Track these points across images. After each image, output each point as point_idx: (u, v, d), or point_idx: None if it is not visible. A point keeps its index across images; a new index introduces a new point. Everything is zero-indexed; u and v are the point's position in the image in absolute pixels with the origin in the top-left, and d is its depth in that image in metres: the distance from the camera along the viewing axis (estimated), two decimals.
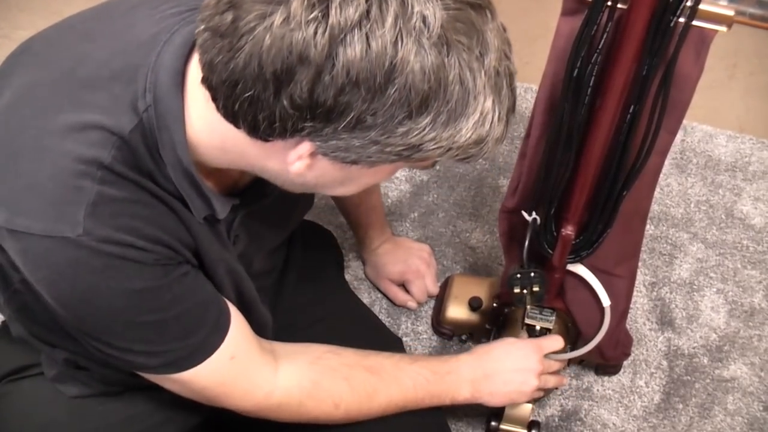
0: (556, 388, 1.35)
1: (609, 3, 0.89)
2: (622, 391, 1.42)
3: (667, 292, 1.54)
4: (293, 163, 0.70)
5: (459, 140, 0.68)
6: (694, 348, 1.47)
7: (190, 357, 0.82)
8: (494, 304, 1.31)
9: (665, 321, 1.50)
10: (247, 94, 0.64)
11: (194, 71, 0.72)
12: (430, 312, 1.48)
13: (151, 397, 0.97)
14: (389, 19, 0.61)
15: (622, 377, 1.43)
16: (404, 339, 1.43)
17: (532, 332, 1.22)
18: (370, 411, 0.99)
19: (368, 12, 0.61)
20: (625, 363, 1.43)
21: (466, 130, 0.68)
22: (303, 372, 0.94)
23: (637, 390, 1.42)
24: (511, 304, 1.25)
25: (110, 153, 0.72)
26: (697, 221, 1.64)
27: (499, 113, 0.70)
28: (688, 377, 1.44)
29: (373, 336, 1.22)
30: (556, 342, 1.18)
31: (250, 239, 0.93)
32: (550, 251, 1.12)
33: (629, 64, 0.91)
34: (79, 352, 0.92)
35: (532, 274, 1.13)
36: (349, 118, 0.64)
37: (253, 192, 0.86)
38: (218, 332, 0.84)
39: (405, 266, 1.45)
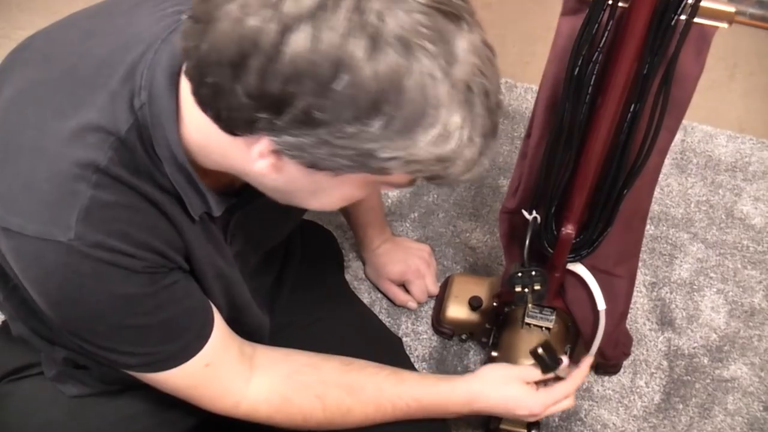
0: None
1: (610, 2, 0.89)
2: (622, 391, 1.42)
3: (667, 292, 1.54)
4: (256, 160, 0.69)
5: (417, 154, 0.64)
6: (694, 348, 1.47)
7: (167, 360, 0.83)
8: (494, 304, 1.31)
9: (665, 321, 1.50)
10: (210, 81, 0.64)
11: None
12: (430, 312, 1.48)
13: (150, 396, 0.97)
14: (342, 13, 0.59)
15: (622, 377, 1.43)
16: (404, 339, 1.43)
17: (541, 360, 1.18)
18: (344, 426, 0.98)
19: (323, 5, 0.59)
20: (625, 363, 1.43)
21: (425, 144, 0.63)
22: (275, 386, 0.94)
23: (638, 390, 1.42)
24: (512, 303, 1.25)
25: (107, 155, 0.72)
26: (697, 221, 1.64)
27: (470, 134, 0.64)
28: (689, 377, 1.44)
29: (373, 336, 1.22)
30: (562, 389, 1.09)
31: (246, 239, 0.93)
32: (551, 250, 1.12)
33: (630, 63, 0.91)
34: (78, 349, 0.92)
35: (533, 273, 1.13)
36: (297, 111, 0.62)
37: (249, 192, 0.86)
38: (199, 340, 0.85)
39: (405, 266, 1.45)
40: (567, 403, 1.10)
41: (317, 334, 1.14)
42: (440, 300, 1.45)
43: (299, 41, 0.59)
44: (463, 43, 0.62)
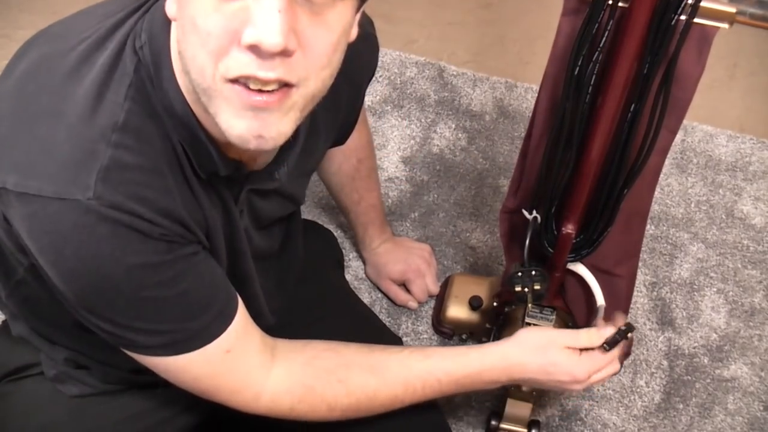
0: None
1: (610, 2, 0.89)
2: (622, 390, 1.42)
3: (667, 292, 1.54)
4: None
5: None
6: (694, 348, 1.47)
7: (187, 341, 0.81)
8: (494, 304, 1.31)
9: (665, 321, 1.50)
10: None
11: None
12: (430, 312, 1.48)
13: (151, 396, 0.97)
14: None
15: (623, 377, 1.43)
16: (404, 339, 1.43)
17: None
18: (371, 411, 0.95)
19: None
20: (626, 363, 1.43)
21: None
22: (295, 375, 0.91)
23: (638, 390, 1.42)
24: (512, 303, 1.25)
25: (123, 107, 0.72)
26: (697, 221, 1.64)
27: None
28: (689, 377, 1.44)
29: (373, 336, 1.22)
30: (592, 337, 1.02)
31: (251, 214, 0.92)
32: (551, 250, 1.12)
33: (630, 63, 0.91)
34: (80, 349, 0.92)
35: (534, 273, 1.13)
36: None
37: (261, 174, 0.87)
38: (221, 321, 0.82)
39: (405, 265, 1.45)
40: (613, 369, 1.03)
41: (317, 334, 1.13)
42: (440, 300, 1.45)
43: None
44: None
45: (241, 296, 0.89)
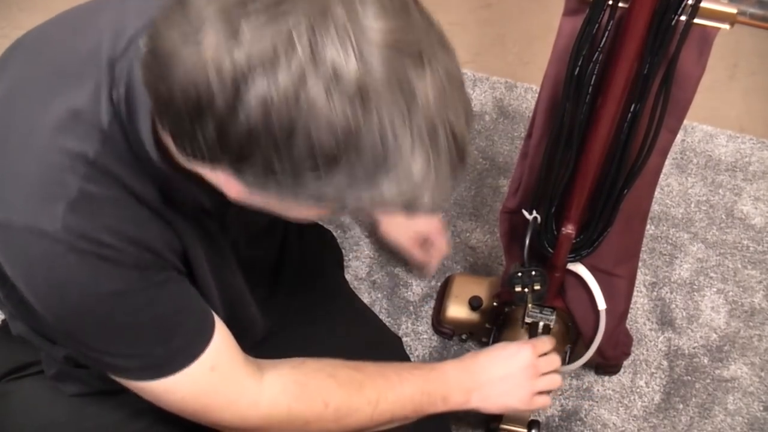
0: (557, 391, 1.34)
1: (610, 2, 0.89)
2: (622, 391, 1.42)
3: (667, 292, 1.54)
4: (218, 179, 0.68)
5: (382, 198, 0.63)
6: (694, 348, 1.47)
7: (168, 363, 0.81)
8: (494, 304, 1.31)
9: (665, 321, 1.50)
10: (170, 119, 0.63)
11: None
12: (430, 312, 1.48)
13: None
14: (295, 65, 0.56)
15: (623, 377, 1.43)
16: (404, 339, 1.43)
17: (533, 330, 1.22)
18: (360, 405, 0.96)
19: (276, 55, 0.57)
20: (626, 363, 1.43)
21: (389, 189, 0.62)
22: (287, 376, 0.92)
23: (638, 390, 1.42)
24: (512, 303, 1.25)
25: (94, 147, 0.72)
26: (697, 221, 1.64)
27: (435, 171, 0.63)
28: (689, 377, 1.44)
29: (373, 336, 1.22)
30: (546, 343, 1.15)
31: (240, 226, 0.92)
32: (551, 250, 1.12)
33: (630, 63, 0.91)
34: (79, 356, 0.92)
35: (534, 273, 1.13)
36: (257, 162, 0.61)
37: None
38: (199, 341, 0.83)
39: (429, 221, 1.41)
40: (552, 382, 1.13)
41: (316, 334, 1.14)
42: (440, 300, 1.45)
43: (252, 100, 0.58)
44: (424, 86, 0.60)
45: (231, 310, 0.90)
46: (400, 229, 1.41)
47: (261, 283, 1.11)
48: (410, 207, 0.65)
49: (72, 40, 0.77)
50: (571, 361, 1.31)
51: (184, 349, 0.82)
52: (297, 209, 0.69)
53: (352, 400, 0.95)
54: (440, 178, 0.63)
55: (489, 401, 1.08)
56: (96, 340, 0.79)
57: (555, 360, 1.14)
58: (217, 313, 0.89)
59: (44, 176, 0.71)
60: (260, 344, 1.10)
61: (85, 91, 0.73)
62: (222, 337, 0.85)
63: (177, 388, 0.83)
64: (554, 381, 1.14)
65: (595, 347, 1.23)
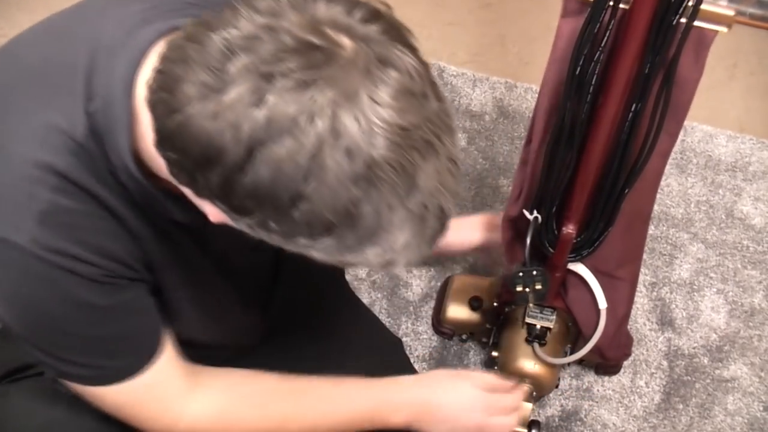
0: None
1: (611, 2, 0.89)
2: (622, 391, 1.42)
3: (667, 292, 1.54)
4: (205, 206, 0.69)
5: (364, 261, 0.67)
6: (694, 348, 1.47)
7: (109, 375, 0.83)
8: (494, 304, 1.31)
9: (665, 321, 1.50)
10: (174, 157, 0.64)
11: (144, 78, 0.70)
12: (430, 312, 1.48)
13: None
14: (311, 138, 0.58)
15: (623, 377, 1.43)
16: (404, 339, 1.43)
17: (532, 331, 1.22)
18: None
19: (295, 123, 0.58)
20: (626, 363, 1.43)
21: (373, 256, 0.66)
22: (214, 400, 0.93)
23: (638, 390, 1.42)
24: (512, 303, 1.25)
25: (66, 159, 0.72)
26: (697, 221, 1.64)
27: (418, 244, 0.66)
28: (689, 377, 1.44)
29: (373, 336, 1.22)
30: (488, 377, 1.10)
31: (228, 235, 0.92)
32: (551, 250, 1.12)
33: (631, 63, 0.91)
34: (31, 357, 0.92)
35: (535, 273, 1.13)
36: (254, 219, 0.63)
37: None
38: (144, 361, 0.84)
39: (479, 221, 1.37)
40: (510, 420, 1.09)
41: (316, 334, 1.13)
42: (440, 300, 1.45)
43: (263, 167, 0.59)
44: (426, 173, 0.62)
45: (210, 323, 0.92)
46: (464, 231, 1.36)
47: (261, 287, 1.12)
48: (387, 268, 0.70)
49: (51, 49, 0.77)
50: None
51: (127, 367, 0.84)
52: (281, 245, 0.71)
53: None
54: (420, 248, 0.67)
55: (434, 429, 1.05)
56: (51, 346, 0.80)
57: (515, 398, 1.11)
58: (189, 326, 0.90)
59: (15, 188, 0.72)
60: (259, 346, 1.10)
61: (60, 103, 0.73)
62: (166, 357, 0.87)
63: (110, 397, 0.85)
64: (516, 421, 1.11)
65: (593, 343, 1.23)
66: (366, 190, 0.60)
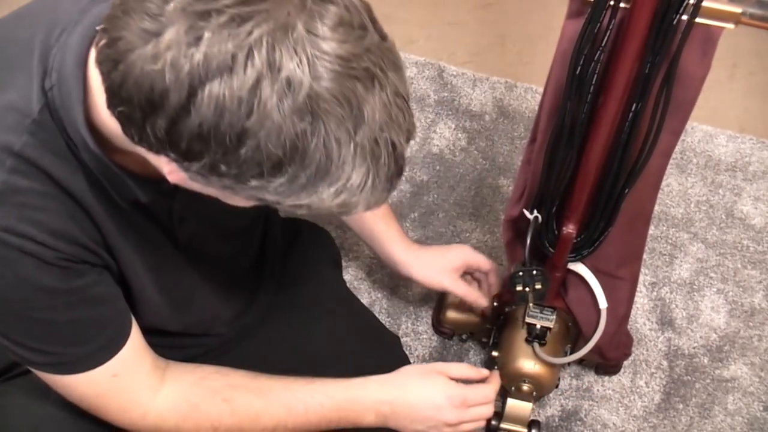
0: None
1: (611, 2, 0.89)
2: (622, 391, 1.42)
3: (667, 292, 1.54)
4: (162, 165, 0.69)
5: (320, 204, 0.67)
6: (694, 348, 1.47)
7: (74, 364, 0.82)
8: (494, 304, 1.31)
9: (665, 321, 1.50)
10: (121, 109, 0.64)
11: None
12: (430, 312, 1.48)
13: None
14: (251, 75, 0.59)
15: (623, 377, 1.43)
16: (404, 339, 1.43)
17: (532, 331, 1.22)
18: None
19: (234, 61, 0.59)
20: (626, 363, 1.43)
21: (328, 196, 0.66)
22: (182, 394, 0.93)
23: (638, 390, 1.42)
24: (512, 303, 1.25)
25: (22, 138, 0.72)
26: (697, 221, 1.64)
27: (373, 182, 0.66)
28: (689, 377, 1.44)
29: (371, 335, 1.22)
30: (461, 368, 1.07)
31: (199, 219, 0.91)
32: (552, 249, 1.12)
33: (632, 63, 0.91)
34: None
35: (535, 272, 1.13)
36: (202, 162, 0.64)
37: None
38: (109, 349, 0.84)
39: (462, 250, 1.31)
40: (487, 410, 1.06)
41: (314, 334, 1.13)
42: (440, 300, 1.45)
43: (206, 102, 0.59)
44: (372, 105, 0.63)
45: (178, 307, 0.91)
46: (431, 271, 1.28)
47: (241, 277, 1.11)
48: (345, 211, 0.69)
49: (14, 30, 0.78)
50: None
51: (92, 355, 0.83)
52: (235, 199, 0.72)
53: (244, 428, 0.95)
54: (377, 189, 0.67)
55: (403, 426, 1.03)
56: (11, 331, 0.79)
57: (484, 394, 1.07)
58: (158, 311, 0.90)
59: None
60: (248, 343, 1.10)
61: (18, 82, 0.73)
62: (133, 346, 0.87)
63: (76, 386, 0.85)
64: (485, 414, 1.07)
65: (593, 342, 1.23)
66: (311, 122, 0.61)
